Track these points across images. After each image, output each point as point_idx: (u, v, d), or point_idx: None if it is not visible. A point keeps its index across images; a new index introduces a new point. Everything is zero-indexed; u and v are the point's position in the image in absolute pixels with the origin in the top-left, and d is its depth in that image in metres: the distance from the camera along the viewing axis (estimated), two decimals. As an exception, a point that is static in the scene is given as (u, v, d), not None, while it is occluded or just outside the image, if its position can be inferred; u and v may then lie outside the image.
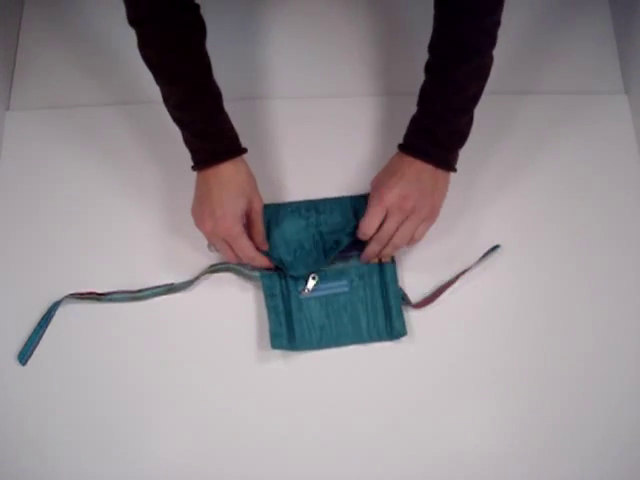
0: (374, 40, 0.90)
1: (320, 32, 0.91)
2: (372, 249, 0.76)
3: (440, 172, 0.74)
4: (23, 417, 0.74)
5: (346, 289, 0.77)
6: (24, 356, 0.76)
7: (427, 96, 0.73)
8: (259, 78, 0.88)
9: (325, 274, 0.78)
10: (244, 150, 0.75)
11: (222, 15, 0.91)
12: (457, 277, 0.78)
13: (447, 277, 0.78)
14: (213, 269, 0.78)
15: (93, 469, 0.72)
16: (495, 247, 0.80)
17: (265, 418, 0.74)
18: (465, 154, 0.81)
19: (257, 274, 0.77)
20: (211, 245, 0.77)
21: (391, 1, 0.92)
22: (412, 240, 0.75)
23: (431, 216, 0.75)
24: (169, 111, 0.74)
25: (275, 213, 0.80)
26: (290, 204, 0.82)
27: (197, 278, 0.78)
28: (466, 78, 0.71)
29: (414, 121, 0.75)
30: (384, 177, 0.75)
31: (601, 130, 0.86)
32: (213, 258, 0.79)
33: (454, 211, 0.81)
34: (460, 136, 0.74)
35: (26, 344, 0.76)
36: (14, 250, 0.80)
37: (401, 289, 0.77)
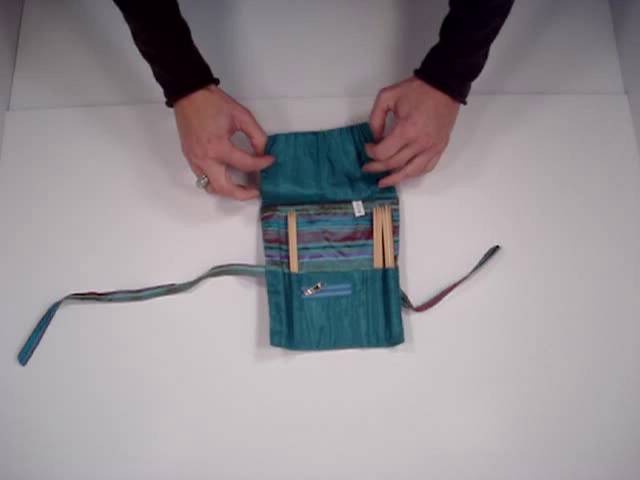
0: (374, 40, 0.90)
1: (319, 31, 0.91)
2: (377, 167, 0.77)
3: (454, 104, 0.76)
4: (23, 417, 0.74)
5: (348, 292, 0.77)
6: (24, 356, 0.76)
7: (451, 28, 0.75)
8: (265, 78, 0.88)
9: (329, 276, 0.78)
10: (216, 80, 0.76)
11: (220, 15, 0.91)
12: (459, 281, 0.78)
13: (448, 280, 0.78)
14: (215, 271, 0.78)
15: (93, 469, 0.72)
16: (495, 248, 0.80)
17: (264, 417, 0.74)
18: (465, 154, 0.81)
19: (262, 270, 0.77)
20: (200, 179, 0.76)
21: (402, 2, 0.92)
22: (424, 171, 0.78)
23: (444, 149, 0.78)
24: (139, 47, 0.75)
25: (276, 141, 0.82)
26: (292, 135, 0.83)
27: (199, 280, 0.78)
28: (489, 13, 0.73)
29: (435, 50, 0.76)
30: (406, 105, 0.76)
31: (601, 130, 0.86)
32: (215, 261, 0.78)
33: (454, 212, 0.82)
34: (476, 69, 0.76)
35: (26, 344, 0.76)
36: (14, 250, 0.80)
37: (402, 292, 0.77)
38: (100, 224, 0.81)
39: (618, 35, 0.90)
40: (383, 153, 0.76)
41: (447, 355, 0.76)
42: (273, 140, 0.82)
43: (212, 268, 0.78)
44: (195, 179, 0.77)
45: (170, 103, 0.76)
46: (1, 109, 0.85)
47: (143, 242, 0.80)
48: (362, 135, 0.82)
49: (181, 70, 0.75)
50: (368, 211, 0.80)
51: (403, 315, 0.76)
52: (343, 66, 0.89)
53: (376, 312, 0.77)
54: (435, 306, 0.77)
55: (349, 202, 0.80)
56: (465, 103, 0.77)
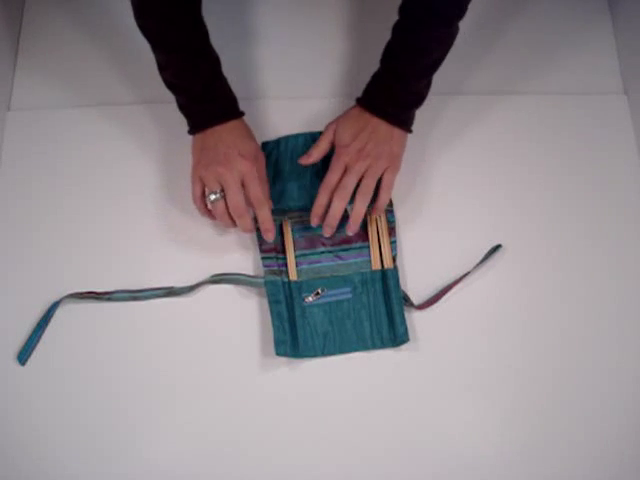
0: (375, 39, 0.90)
1: (319, 31, 0.91)
2: (335, 207, 0.75)
3: (396, 129, 0.75)
4: (22, 417, 0.74)
5: (349, 296, 0.77)
6: (23, 356, 0.75)
7: (391, 55, 0.74)
8: (266, 78, 0.88)
9: (328, 281, 0.78)
10: (243, 113, 0.76)
11: (222, 15, 0.91)
12: (460, 279, 0.78)
13: (449, 278, 0.78)
14: (215, 279, 0.78)
15: (93, 469, 0.72)
16: (497, 247, 0.80)
17: (268, 426, 0.74)
18: (466, 154, 0.82)
19: (261, 280, 0.77)
20: (213, 193, 0.73)
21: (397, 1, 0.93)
22: (383, 191, 0.76)
23: (392, 164, 0.75)
24: (164, 77, 0.74)
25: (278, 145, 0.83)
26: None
27: (197, 285, 0.77)
28: (431, 43, 0.72)
29: (375, 78, 0.76)
30: (343, 133, 0.76)
31: (601, 130, 0.86)
32: (215, 268, 0.78)
33: (455, 211, 0.82)
34: (417, 97, 0.76)
35: (25, 344, 0.75)
36: (14, 250, 0.80)
37: (403, 291, 0.77)
38: (100, 224, 0.81)
39: (617, 35, 0.91)
40: (327, 183, 0.75)
41: (451, 353, 0.76)
42: (274, 144, 0.83)
43: (212, 275, 0.78)
44: (196, 194, 0.76)
45: (196, 131, 0.75)
46: (2, 109, 0.85)
47: (143, 245, 0.80)
48: None
49: (211, 103, 0.74)
50: None
51: (406, 315, 0.76)
52: (343, 66, 0.89)
53: (378, 313, 0.77)
54: (438, 304, 0.77)
55: None
56: (410, 132, 0.76)
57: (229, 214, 0.74)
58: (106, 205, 0.82)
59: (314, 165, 0.82)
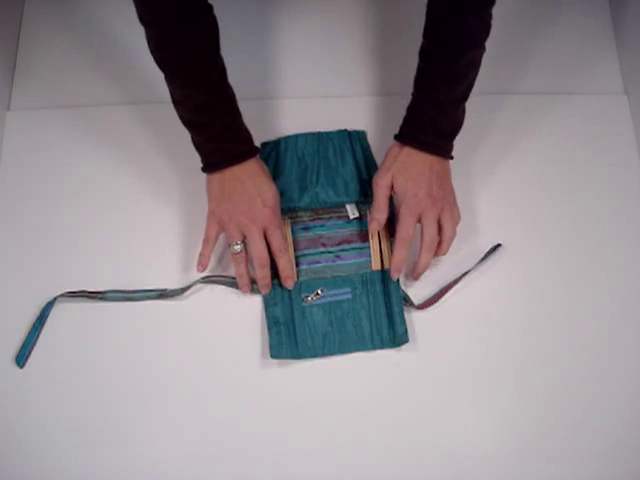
0: (384, 40, 0.91)
1: (328, 32, 0.91)
2: (425, 260, 0.74)
3: (446, 161, 0.75)
4: (23, 420, 0.73)
5: (349, 296, 0.77)
6: (21, 359, 0.75)
7: (428, 85, 0.73)
8: (265, 78, 0.88)
9: (328, 281, 0.78)
10: (259, 150, 0.75)
11: (226, 15, 0.91)
12: (460, 278, 0.78)
13: (449, 278, 0.78)
14: (206, 280, 0.77)
15: (93, 470, 0.72)
16: (497, 246, 0.80)
17: (267, 426, 0.73)
18: (466, 154, 0.81)
19: (254, 285, 0.76)
20: (236, 244, 0.74)
21: (402, 2, 0.93)
22: (456, 225, 0.76)
23: (454, 198, 0.76)
24: (180, 114, 0.72)
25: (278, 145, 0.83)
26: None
27: (189, 287, 0.77)
28: (465, 68, 0.71)
29: (415, 111, 0.74)
30: (404, 184, 0.73)
31: (601, 130, 0.86)
32: (212, 269, 0.78)
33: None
34: (459, 125, 0.75)
35: (22, 346, 0.75)
36: (14, 250, 0.80)
37: (403, 291, 0.77)
38: (100, 224, 0.81)
39: (618, 36, 0.91)
40: (405, 235, 0.73)
41: (451, 353, 0.76)
42: (274, 145, 0.82)
43: (203, 277, 0.77)
44: (203, 239, 0.76)
45: (212, 170, 0.73)
46: (1, 109, 0.85)
47: (139, 244, 0.80)
48: (359, 142, 0.83)
49: (229, 142, 0.72)
50: (363, 213, 0.80)
51: (405, 315, 0.76)
52: (345, 66, 0.89)
53: (378, 314, 0.76)
54: (438, 305, 0.77)
55: (342, 205, 0.81)
56: (452, 158, 0.76)
57: (245, 264, 0.75)
58: (105, 205, 0.82)
59: (314, 165, 0.82)
